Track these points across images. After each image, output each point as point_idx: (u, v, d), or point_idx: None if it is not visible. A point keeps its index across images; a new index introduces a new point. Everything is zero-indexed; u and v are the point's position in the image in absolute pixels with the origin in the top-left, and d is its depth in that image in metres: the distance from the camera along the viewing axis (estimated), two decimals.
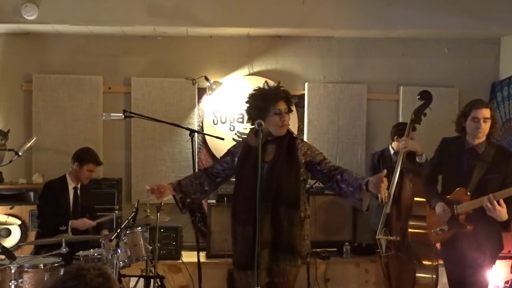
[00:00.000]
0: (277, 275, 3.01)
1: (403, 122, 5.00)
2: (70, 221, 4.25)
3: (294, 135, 3.22)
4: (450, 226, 3.38)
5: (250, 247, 2.95)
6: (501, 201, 3.07)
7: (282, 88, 3.15)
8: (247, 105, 3.16)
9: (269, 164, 3.02)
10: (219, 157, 3.58)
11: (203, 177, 3.29)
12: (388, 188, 4.43)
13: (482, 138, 3.40)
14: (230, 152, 3.27)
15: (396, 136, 4.72)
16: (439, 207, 3.43)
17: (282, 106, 3.06)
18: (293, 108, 3.20)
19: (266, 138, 3.09)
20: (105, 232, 4.32)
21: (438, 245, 3.81)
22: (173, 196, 3.21)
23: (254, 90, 3.16)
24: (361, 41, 5.72)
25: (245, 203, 3.03)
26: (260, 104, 3.08)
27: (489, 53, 5.85)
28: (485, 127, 3.37)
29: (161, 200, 3.26)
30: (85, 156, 4.40)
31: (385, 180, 2.79)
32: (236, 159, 3.18)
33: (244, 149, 3.16)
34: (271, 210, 2.98)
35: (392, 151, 4.83)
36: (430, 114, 4.47)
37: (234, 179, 3.26)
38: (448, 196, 3.46)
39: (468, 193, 3.29)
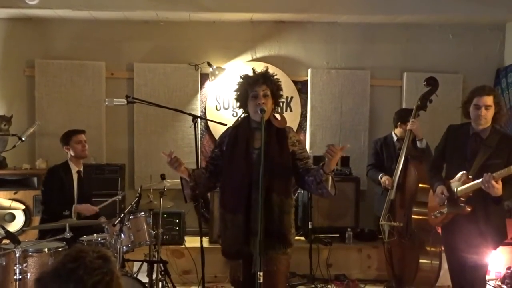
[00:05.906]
0: (268, 264, 2.90)
1: (405, 108, 4.98)
2: (73, 206, 4.27)
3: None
4: (449, 207, 3.41)
5: (241, 235, 2.91)
6: (499, 180, 3.10)
7: (264, 72, 3.05)
8: (235, 93, 3.11)
9: (259, 151, 2.88)
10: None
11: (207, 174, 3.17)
12: (392, 176, 4.45)
13: (485, 125, 3.40)
14: (217, 145, 3.18)
15: (399, 123, 4.70)
16: (439, 189, 3.48)
17: (260, 89, 2.97)
18: (281, 93, 3.07)
19: (251, 125, 3.03)
20: (103, 219, 4.33)
21: (440, 230, 3.81)
22: (182, 182, 3.08)
23: (240, 77, 3.11)
24: (365, 27, 5.68)
25: (236, 190, 2.96)
26: (241, 89, 3.05)
27: (494, 39, 5.81)
28: (487, 114, 3.37)
29: (177, 169, 3.01)
30: (64, 137, 4.43)
31: (337, 146, 2.73)
32: (225, 148, 3.09)
33: (231, 136, 3.09)
34: (264, 197, 2.84)
35: (395, 138, 4.80)
36: (434, 100, 4.46)
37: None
38: (450, 180, 3.47)
39: (470, 177, 3.30)
